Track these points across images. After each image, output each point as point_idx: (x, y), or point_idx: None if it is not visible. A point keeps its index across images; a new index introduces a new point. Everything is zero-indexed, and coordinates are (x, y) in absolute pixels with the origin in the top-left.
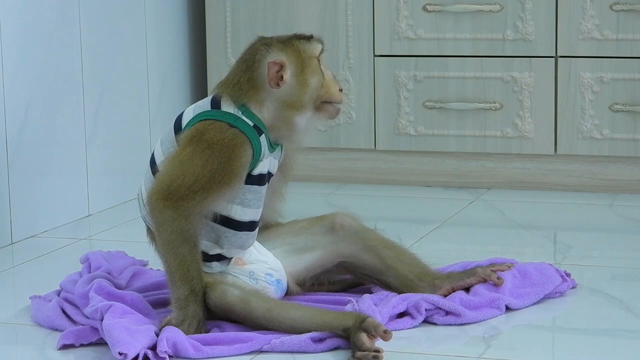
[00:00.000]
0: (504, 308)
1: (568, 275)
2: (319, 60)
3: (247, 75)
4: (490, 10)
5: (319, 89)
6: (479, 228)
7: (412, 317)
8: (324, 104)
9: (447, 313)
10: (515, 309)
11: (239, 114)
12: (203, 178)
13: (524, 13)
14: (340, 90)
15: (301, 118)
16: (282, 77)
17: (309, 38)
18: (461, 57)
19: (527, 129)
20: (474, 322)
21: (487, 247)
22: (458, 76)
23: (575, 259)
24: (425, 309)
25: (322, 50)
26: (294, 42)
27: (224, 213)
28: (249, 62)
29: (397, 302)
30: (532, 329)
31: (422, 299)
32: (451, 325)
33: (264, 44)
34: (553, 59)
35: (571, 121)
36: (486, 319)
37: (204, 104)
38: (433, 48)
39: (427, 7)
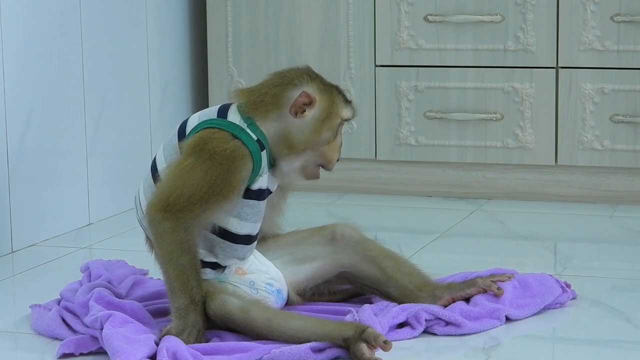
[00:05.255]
0: (504, 319)
1: (568, 286)
2: (341, 124)
3: (276, 90)
4: (491, 21)
5: (323, 145)
6: (479, 238)
7: (412, 327)
8: (314, 164)
9: (447, 323)
10: (516, 320)
11: (244, 126)
12: (202, 189)
13: (525, 24)
14: (337, 159)
15: (288, 163)
16: (304, 111)
17: (347, 101)
18: (462, 68)
19: (527, 139)
20: (474, 333)
21: (488, 258)
22: (459, 86)
23: (575, 269)
24: (425, 320)
25: (349, 119)
26: (334, 92)
27: (221, 225)
28: (285, 80)
29: (397, 312)
30: (532, 339)
31: (422, 310)
32: (451, 335)
33: (309, 74)
34: (554, 69)
35: (572, 132)
36: (486, 330)
37: (211, 112)
38: (434, 58)
39: (429, 17)
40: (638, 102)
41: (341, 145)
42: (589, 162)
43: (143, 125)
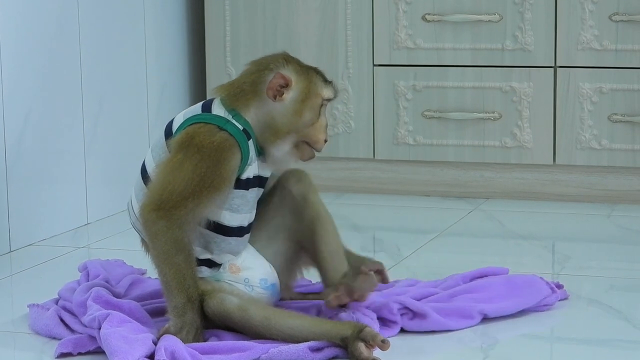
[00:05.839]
0: (478, 317)
1: (560, 287)
2: (323, 104)
3: (253, 77)
4: (489, 21)
5: (307, 126)
6: (477, 238)
7: (388, 321)
8: (304, 144)
9: (415, 315)
10: (493, 317)
11: (229, 117)
12: (193, 182)
13: (523, 23)
14: (325, 140)
15: (278, 149)
16: (282, 94)
17: (327, 81)
18: (460, 67)
19: (525, 139)
20: (445, 330)
21: (486, 257)
22: (457, 86)
23: (573, 269)
24: (397, 309)
25: (331, 99)
26: (312, 72)
27: (213, 219)
28: (261, 67)
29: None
30: (530, 339)
31: (391, 300)
32: (419, 333)
33: (284, 58)
34: (552, 69)
35: (570, 131)
36: (459, 329)
37: (195, 109)
38: (432, 58)
39: (427, 16)
40: (636, 101)
41: (326, 126)
42: (587, 162)
43: (141, 124)
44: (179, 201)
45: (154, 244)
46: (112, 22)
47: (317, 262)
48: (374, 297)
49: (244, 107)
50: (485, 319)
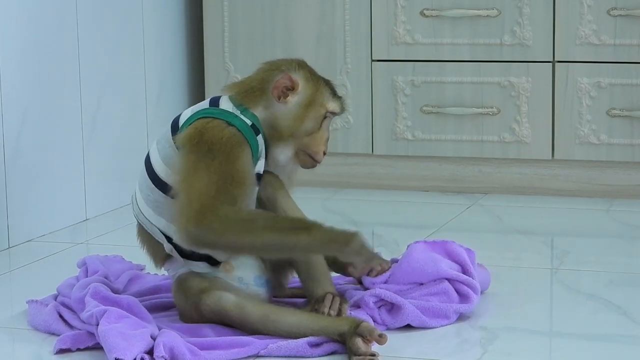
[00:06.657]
0: (454, 316)
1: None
2: (326, 116)
3: (263, 75)
4: (487, 15)
5: (307, 135)
6: (476, 233)
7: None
8: (304, 153)
9: (392, 307)
10: (465, 313)
11: (237, 112)
12: (213, 181)
13: (521, 18)
14: (324, 153)
15: (280, 151)
16: (287, 96)
17: (336, 95)
18: (459, 62)
19: (524, 134)
20: (423, 328)
21: (484, 253)
22: (455, 81)
23: (572, 264)
24: (373, 302)
25: (336, 114)
26: (321, 82)
27: None
28: (273, 67)
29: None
30: (529, 333)
31: (366, 294)
32: (418, 329)
33: (298, 63)
34: (550, 64)
35: (568, 126)
36: (433, 327)
37: (203, 104)
38: (430, 53)
39: (425, 12)
40: (634, 96)
41: (327, 140)
42: (586, 156)
43: (139, 121)
44: (212, 203)
45: (234, 240)
46: (110, 18)
47: (296, 272)
48: (350, 292)
49: (252, 104)
50: (478, 316)
